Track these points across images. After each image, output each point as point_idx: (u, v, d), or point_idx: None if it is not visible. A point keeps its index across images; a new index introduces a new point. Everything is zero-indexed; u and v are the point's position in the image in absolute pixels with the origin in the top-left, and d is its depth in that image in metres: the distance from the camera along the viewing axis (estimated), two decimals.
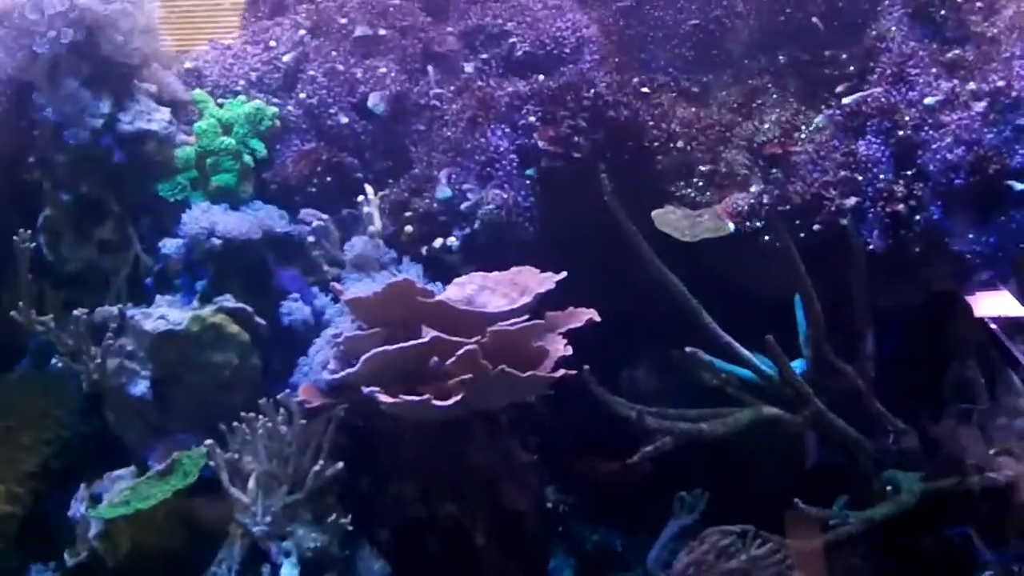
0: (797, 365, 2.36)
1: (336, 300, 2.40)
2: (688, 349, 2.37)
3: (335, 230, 2.53)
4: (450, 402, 2.03)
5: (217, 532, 2.22)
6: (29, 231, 2.31)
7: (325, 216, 2.52)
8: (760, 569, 2.30)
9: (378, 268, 2.46)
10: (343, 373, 2.12)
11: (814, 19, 2.64)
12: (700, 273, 2.39)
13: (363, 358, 2.08)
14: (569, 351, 2.15)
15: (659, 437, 2.24)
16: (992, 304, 2.33)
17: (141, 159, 2.45)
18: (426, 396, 2.02)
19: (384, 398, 2.03)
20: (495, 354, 2.06)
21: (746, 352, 2.34)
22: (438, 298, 2.16)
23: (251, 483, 2.15)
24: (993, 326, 2.33)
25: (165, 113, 2.48)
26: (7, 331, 2.44)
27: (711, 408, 2.32)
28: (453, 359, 2.04)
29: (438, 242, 2.48)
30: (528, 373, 2.05)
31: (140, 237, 2.48)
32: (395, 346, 2.08)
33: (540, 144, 2.46)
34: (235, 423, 2.17)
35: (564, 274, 2.26)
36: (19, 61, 2.36)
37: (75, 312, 2.27)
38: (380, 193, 2.56)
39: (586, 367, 2.14)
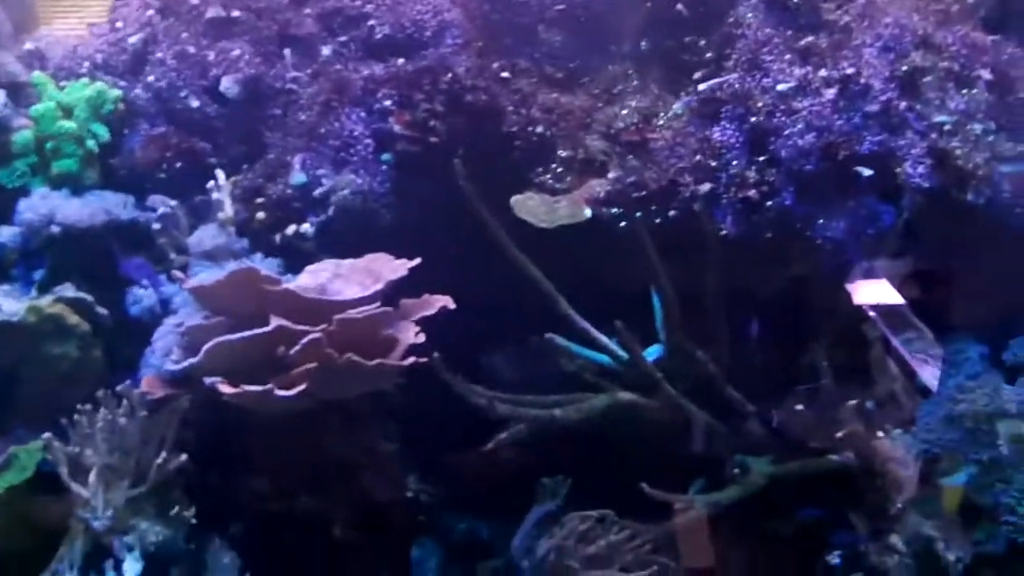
0: (654, 351, 2.36)
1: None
2: (546, 335, 2.35)
3: (183, 217, 2.44)
4: (293, 391, 1.97)
5: (60, 530, 2.12)
6: None
7: (173, 202, 2.44)
8: (620, 554, 2.30)
9: (229, 257, 2.38)
10: (185, 363, 2.06)
11: (679, 6, 2.64)
12: (561, 261, 2.38)
13: (205, 348, 2.02)
14: (421, 339, 2.11)
15: (515, 424, 2.22)
16: (871, 292, 2.34)
17: None
18: (268, 386, 1.96)
19: (226, 388, 1.97)
20: (343, 343, 2.02)
21: (603, 337, 2.33)
22: (285, 286, 2.10)
23: (92, 477, 2.07)
24: (872, 314, 2.35)
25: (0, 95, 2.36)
26: None
27: (568, 395, 2.31)
28: (297, 347, 1.99)
29: (291, 229, 2.42)
30: (376, 361, 2.02)
31: None
32: (237, 335, 2.02)
33: (396, 128, 2.41)
34: (76, 416, 2.09)
35: (417, 260, 2.22)
36: None
37: None
38: (232, 179, 2.48)
39: (436, 354, 2.10)
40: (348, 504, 2.29)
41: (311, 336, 1.97)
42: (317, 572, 2.27)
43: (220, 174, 2.46)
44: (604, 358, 2.35)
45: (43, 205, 2.26)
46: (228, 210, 2.41)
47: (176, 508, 2.07)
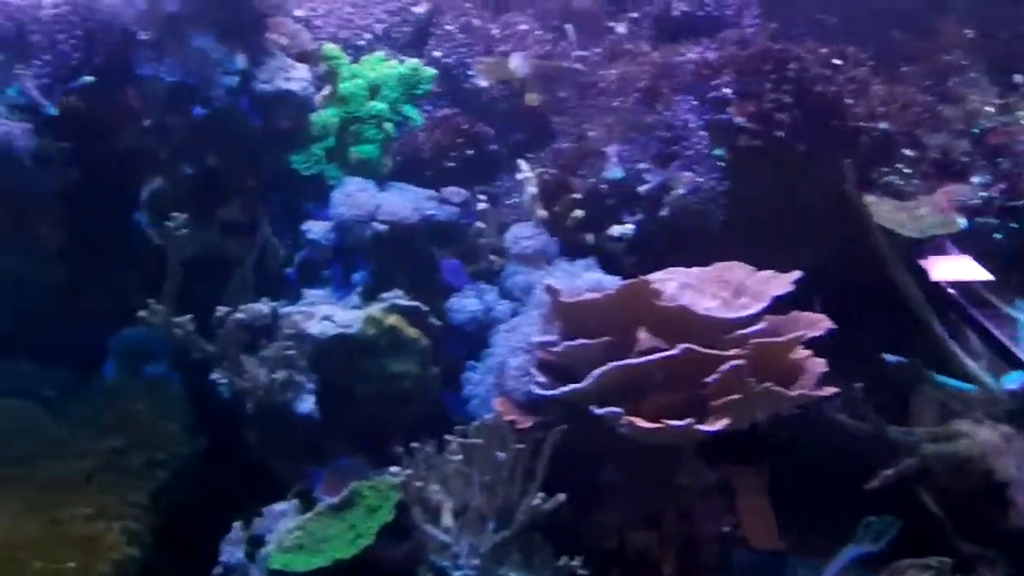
0: (1016, 377, 2.12)
1: (506, 296, 2.06)
2: (895, 358, 2.10)
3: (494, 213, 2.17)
4: (719, 425, 1.71)
5: None
6: (184, 215, 1.85)
7: (483, 196, 2.16)
8: None
9: (543, 261, 2.11)
10: (567, 388, 1.78)
11: None
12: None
13: (597, 372, 1.75)
14: (825, 367, 1.84)
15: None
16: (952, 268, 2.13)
17: (277, 125, 2.02)
18: (688, 420, 1.70)
19: (640, 423, 1.70)
20: (751, 370, 1.75)
21: (974, 365, 2.08)
22: (680, 303, 1.83)
23: (447, 519, 1.79)
24: (951, 291, 2.13)
25: (303, 71, 2.05)
26: (80, 327, 2.02)
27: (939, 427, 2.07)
28: (716, 375, 1.72)
29: (615, 230, 2.14)
30: (796, 392, 1.76)
31: (268, 218, 2.06)
32: (641, 359, 1.75)
33: (737, 120, 2.14)
34: (414, 444, 1.81)
35: (798, 274, 1.94)
36: (136, 10, 1.90)
37: (219, 311, 1.84)
38: (538, 170, 2.20)
39: (859, 385, 1.85)
40: (679, 540, 2.04)
41: (733, 363, 1.71)
42: None
43: (524, 165, 2.18)
44: (969, 387, 2.09)
45: (364, 198, 1.96)
46: (539, 209, 2.13)
47: (562, 557, 1.79)
